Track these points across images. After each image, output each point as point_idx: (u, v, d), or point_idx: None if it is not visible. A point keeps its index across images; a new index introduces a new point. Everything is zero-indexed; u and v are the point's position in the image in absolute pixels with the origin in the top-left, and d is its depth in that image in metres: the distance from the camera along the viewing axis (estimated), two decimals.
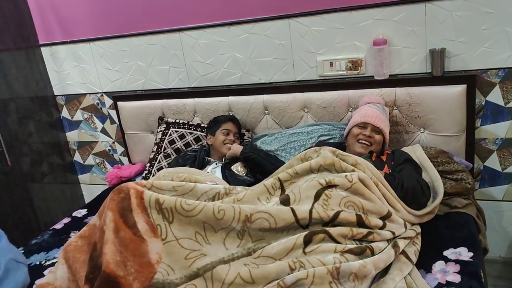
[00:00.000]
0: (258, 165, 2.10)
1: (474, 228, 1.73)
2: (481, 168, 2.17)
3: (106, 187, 2.77)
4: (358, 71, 2.22)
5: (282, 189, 1.64)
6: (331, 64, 2.25)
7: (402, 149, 2.03)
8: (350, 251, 1.39)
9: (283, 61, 2.34)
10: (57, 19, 2.76)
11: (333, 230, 1.45)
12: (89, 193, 3.23)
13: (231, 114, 2.42)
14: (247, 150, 2.15)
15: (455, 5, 1.96)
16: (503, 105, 2.05)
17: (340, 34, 2.19)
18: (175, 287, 1.34)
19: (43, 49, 2.88)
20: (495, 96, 2.05)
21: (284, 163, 2.10)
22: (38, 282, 1.68)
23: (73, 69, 2.86)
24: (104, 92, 2.84)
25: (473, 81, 1.99)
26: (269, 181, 1.67)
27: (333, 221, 1.48)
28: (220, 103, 2.45)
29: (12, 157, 2.71)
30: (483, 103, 2.07)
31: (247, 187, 1.73)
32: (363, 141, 1.92)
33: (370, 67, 2.19)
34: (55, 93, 2.99)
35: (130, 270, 1.35)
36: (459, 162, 1.99)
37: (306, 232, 1.44)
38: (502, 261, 2.28)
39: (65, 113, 3.03)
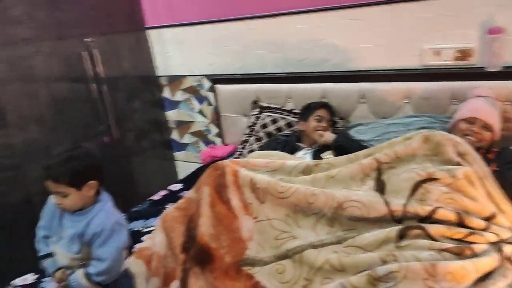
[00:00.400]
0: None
1: None
2: None
3: (200, 165, 2.91)
4: (467, 62, 2.06)
5: (379, 172, 1.57)
6: (436, 53, 2.12)
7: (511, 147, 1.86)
8: (448, 250, 1.32)
9: (384, 48, 2.25)
10: (164, 3, 2.93)
11: (430, 227, 1.37)
12: (183, 169, 3.41)
13: (325, 101, 2.39)
14: (340, 139, 2.12)
15: None
16: None
17: (448, 21, 2.05)
18: (264, 264, 1.37)
19: (150, 31, 3.07)
20: None
21: None
22: (138, 246, 1.83)
23: (176, 52, 3.02)
24: (204, 75, 2.97)
25: None
26: (366, 161, 1.60)
27: (430, 217, 1.40)
28: (315, 90, 2.43)
29: (119, 131, 2.94)
30: None
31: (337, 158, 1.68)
32: (470, 138, 1.79)
33: (481, 57, 2.03)
34: (159, 74, 3.18)
35: (223, 244, 1.40)
36: None
37: (401, 227, 1.38)
38: None
39: (166, 93, 3.22)
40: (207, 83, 2.97)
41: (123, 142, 3.00)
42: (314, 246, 1.39)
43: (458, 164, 1.51)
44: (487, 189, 1.49)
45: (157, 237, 1.70)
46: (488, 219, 1.43)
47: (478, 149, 1.78)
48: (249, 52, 2.69)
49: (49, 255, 1.54)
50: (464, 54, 2.06)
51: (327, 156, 2.16)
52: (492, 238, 1.40)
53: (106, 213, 1.51)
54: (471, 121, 1.82)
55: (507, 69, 1.97)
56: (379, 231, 1.40)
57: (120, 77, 2.94)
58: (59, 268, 1.51)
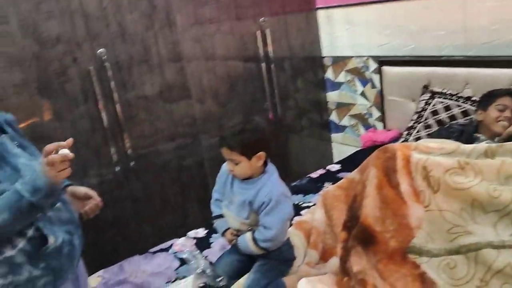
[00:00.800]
0: None
1: None
2: None
3: (357, 149, 2.86)
4: None
5: None
6: None
7: None
8: None
9: None
10: None
11: None
12: (339, 152, 3.39)
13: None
14: None
15: None
16: None
17: None
18: (433, 256, 1.30)
19: (320, 12, 3.09)
20: None
21: None
22: (297, 218, 1.90)
23: (344, 32, 2.98)
24: (370, 56, 2.88)
25: None
26: None
27: None
28: (501, 76, 2.16)
29: (281, 109, 3.06)
30: None
31: None
32: None
33: None
34: (324, 55, 3.20)
35: (388, 228, 1.36)
36: None
37: None
38: None
39: (329, 73, 3.22)
40: (372, 65, 2.88)
41: (285, 120, 3.11)
42: (494, 247, 1.25)
43: None
44: None
45: (317, 213, 1.75)
46: None
47: None
48: (424, 33, 2.51)
49: (221, 216, 1.69)
50: None
51: None
52: None
53: (273, 184, 1.58)
54: None
55: None
56: None
57: (287, 57, 3.03)
58: (228, 229, 1.65)
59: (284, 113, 3.10)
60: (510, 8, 2.12)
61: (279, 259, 1.56)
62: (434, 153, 1.45)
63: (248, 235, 1.55)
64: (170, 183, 2.58)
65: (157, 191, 2.54)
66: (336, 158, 3.31)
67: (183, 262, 1.78)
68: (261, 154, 1.58)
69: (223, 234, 1.65)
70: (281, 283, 1.53)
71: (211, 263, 1.69)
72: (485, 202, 1.31)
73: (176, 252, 1.89)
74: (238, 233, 1.60)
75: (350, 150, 3.00)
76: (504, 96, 2.01)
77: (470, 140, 2.02)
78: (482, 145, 1.44)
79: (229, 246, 1.67)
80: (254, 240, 1.53)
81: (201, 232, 2.05)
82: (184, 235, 2.04)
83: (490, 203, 1.30)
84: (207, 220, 1.96)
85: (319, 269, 1.55)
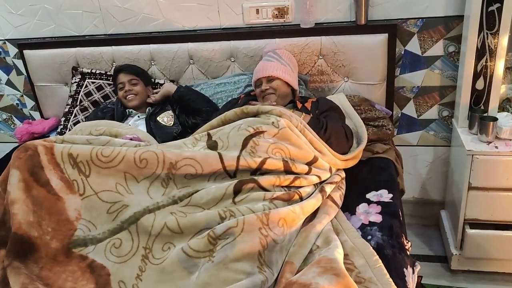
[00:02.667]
0: (193, 102, 2.05)
1: (394, 171, 1.82)
2: (399, 115, 2.28)
3: (16, 144, 2.53)
4: (285, 19, 2.17)
5: (209, 136, 1.59)
6: (257, 11, 2.18)
7: (326, 97, 2.05)
8: (278, 198, 1.40)
9: (208, 6, 2.22)
10: None
11: (261, 179, 1.43)
12: None
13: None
14: (182, 88, 2.08)
15: None
16: (420, 54, 2.13)
17: None
18: (98, 242, 1.27)
19: None
20: (413, 46, 2.12)
21: (217, 106, 2.06)
22: None
23: None
24: (7, 40, 2.53)
25: (394, 30, 2.04)
26: (197, 134, 1.62)
27: (260, 168, 1.46)
28: (140, 52, 2.29)
29: None
30: (402, 52, 2.14)
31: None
32: (265, 95, 1.92)
33: (297, 15, 2.16)
34: None
35: (47, 229, 1.24)
36: (380, 110, 2.06)
37: (235, 182, 1.41)
38: (414, 201, 2.46)
39: None
40: (13, 50, 2.55)
41: None
42: (150, 211, 1.31)
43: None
44: (308, 137, 1.61)
45: None
46: (310, 163, 1.57)
47: (293, 102, 1.93)
48: (61, 12, 2.38)
49: None
50: (281, 11, 2.16)
51: (165, 117, 2.08)
52: (315, 180, 1.54)
53: None
54: (258, 83, 1.96)
55: (318, 26, 2.14)
56: (216, 187, 1.40)
57: None
58: None
59: None
60: None
61: None
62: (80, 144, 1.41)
63: None
64: None
65: None
66: None
67: None
68: None
69: None
70: None
71: None
72: (135, 173, 1.36)
73: None
74: None
75: (8, 148, 2.63)
76: (117, 75, 2.15)
77: (123, 116, 2.09)
78: (131, 143, 1.53)
79: None
80: None
81: None
82: None
83: (139, 173, 1.36)
84: None
85: None
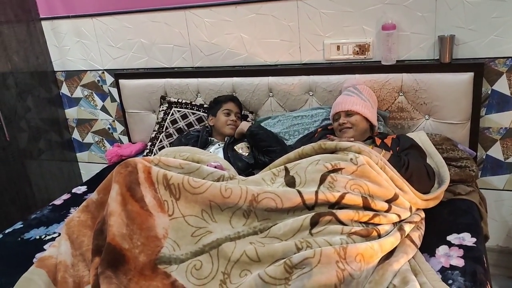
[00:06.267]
0: (263, 142, 2.10)
1: (477, 215, 1.74)
2: (484, 157, 2.18)
3: (105, 165, 2.75)
4: (365, 56, 2.20)
5: (287, 170, 1.63)
6: (338, 47, 2.23)
7: (407, 134, 2.02)
8: (356, 233, 1.39)
9: (289, 43, 2.32)
10: None
11: (339, 212, 1.44)
12: (87, 171, 3.20)
13: (233, 94, 2.40)
14: (254, 127, 2.16)
15: None
16: (509, 94, 2.04)
17: (348, 17, 2.17)
18: (181, 262, 1.34)
19: (44, 23, 2.83)
20: (502, 85, 2.05)
21: (288, 146, 2.11)
22: (38, 255, 1.67)
23: (74, 45, 2.81)
24: (105, 70, 2.80)
25: (480, 69, 1.98)
26: (275, 168, 1.68)
27: (339, 202, 1.47)
28: (224, 84, 2.42)
29: (10, 132, 2.67)
30: (489, 92, 2.07)
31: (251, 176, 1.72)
32: (343, 129, 1.93)
33: (378, 52, 2.18)
34: (55, 69, 2.94)
35: (137, 243, 1.34)
36: (463, 150, 1.99)
37: (313, 214, 1.43)
38: (499, 250, 2.30)
39: (64, 89, 2.99)
40: (109, 79, 2.82)
41: (16, 144, 2.73)
42: (231, 239, 1.38)
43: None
44: (388, 174, 1.60)
45: (62, 245, 1.57)
46: (390, 201, 1.55)
47: (372, 138, 1.92)
48: (154, 45, 2.60)
49: None
50: (362, 48, 2.19)
51: (241, 147, 2.17)
52: (394, 218, 1.52)
53: None
54: (336, 117, 1.97)
55: (399, 63, 2.14)
56: (293, 219, 1.43)
57: (10, 72, 2.66)
58: None
59: (15, 136, 2.72)
60: (224, 24, 2.40)
61: None
62: (173, 171, 1.52)
63: None
64: None
65: None
66: (86, 179, 3.10)
67: None
68: None
69: None
70: None
71: None
72: (220, 202, 1.43)
73: None
74: None
75: (98, 168, 2.86)
76: (228, 101, 2.27)
77: (206, 143, 2.20)
78: (218, 173, 1.60)
79: None
80: None
81: None
82: None
83: (223, 202, 1.44)
84: None
85: None
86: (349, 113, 1.94)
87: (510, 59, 1.99)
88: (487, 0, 1.93)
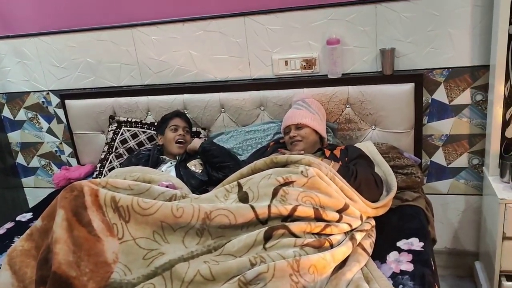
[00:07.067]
0: (216, 158, 2.09)
1: (424, 219, 1.80)
2: (428, 163, 2.28)
3: (53, 190, 2.64)
4: (313, 70, 2.26)
5: (240, 186, 1.64)
6: (286, 62, 2.28)
7: (355, 145, 2.08)
8: (309, 245, 1.41)
9: (238, 59, 2.34)
10: None
11: (292, 225, 1.46)
12: (34, 197, 3.06)
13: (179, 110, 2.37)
14: (206, 143, 2.14)
15: (403, 6, 2.05)
16: (447, 103, 2.16)
17: (295, 32, 2.22)
18: (132, 287, 1.29)
19: None
20: (440, 95, 2.16)
21: (241, 161, 2.11)
22: None
23: (15, 66, 2.70)
24: (50, 90, 2.71)
25: (420, 80, 2.08)
26: (228, 184, 1.67)
27: (292, 215, 1.48)
28: (174, 101, 2.40)
29: None
30: (429, 101, 2.17)
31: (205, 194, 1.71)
32: (293, 142, 1.97)
33: (324, 66, 2.24)
34: None
35: (85, 270, 1.28)
36: (408, 157, 2.07)
37: (266, 228, 1.44)
38: (447, 252, 2.40)
39: (6, 112, 2.86)
40: (55, 100, 2.72)
41: None
42: (184, 259, 1.35)
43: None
44: (338, 185, 1.64)
45: (1, 277, 1.48)
46: (341, 211, 1.58)
47: (322, 150, 1.96)
48: (101, 64, 2.55)
49: None
50: (309, 63, 2.25)
51: (194, 164, 2.14)
52: (346, 227, 1.55)
53: None
54: (287, 131, 2.02)
55: (345, 76, 2.21)
56: (247, 235, 1.43)
57: None
58: None
59: None
60: (171, 41, 2.39)
61: None
62: (122, 192, 1.47)
63: None
64: None
65: None
66: (32, 205, 2.96)
67: None
68: None
69: None
70: None
71: None
72: (171, 222, 1.41)
73: None
74: None
75: (45, 193, 2.73)
76: (174, 117, 2.24)
77: (157, 162, 2.16)
78: (169, 192, 1.57)
79: None
80: None
81: None
82: None
83: (175, 222, 1.41)
84: None
85: None
86: (299, 126, 1.97)
87: (446, 69, 2.10)
88: (422, 14, 2.04)
